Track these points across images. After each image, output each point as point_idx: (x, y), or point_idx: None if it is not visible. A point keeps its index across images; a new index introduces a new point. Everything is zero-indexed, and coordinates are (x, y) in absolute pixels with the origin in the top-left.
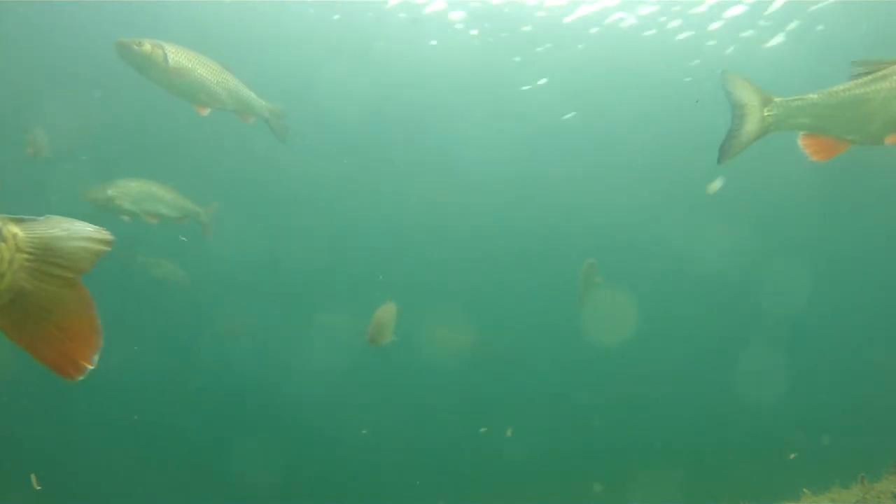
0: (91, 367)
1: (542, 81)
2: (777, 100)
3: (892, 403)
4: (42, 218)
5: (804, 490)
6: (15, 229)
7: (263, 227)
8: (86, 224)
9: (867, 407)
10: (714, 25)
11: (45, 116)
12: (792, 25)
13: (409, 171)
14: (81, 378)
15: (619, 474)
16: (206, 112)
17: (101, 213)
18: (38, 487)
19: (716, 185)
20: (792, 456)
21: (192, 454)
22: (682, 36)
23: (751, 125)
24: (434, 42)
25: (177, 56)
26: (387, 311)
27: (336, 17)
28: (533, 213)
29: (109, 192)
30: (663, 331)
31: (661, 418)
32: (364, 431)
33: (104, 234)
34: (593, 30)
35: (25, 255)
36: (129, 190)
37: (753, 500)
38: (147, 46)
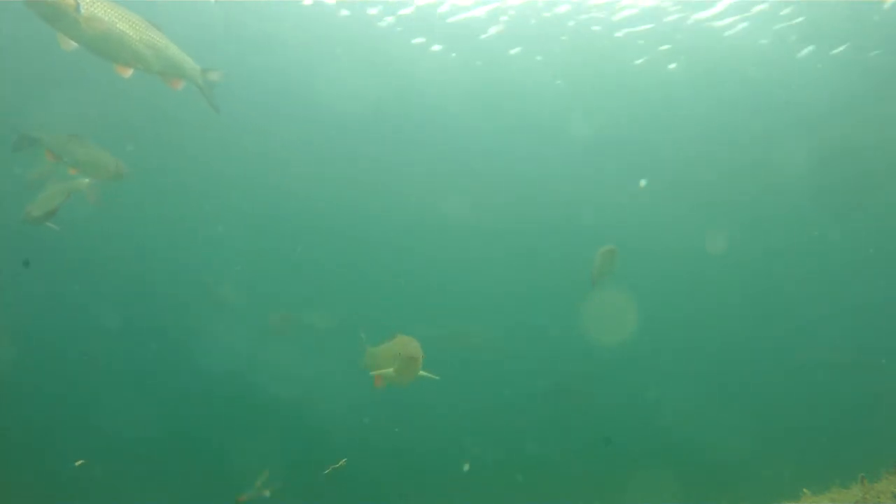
0: None
1: (544, 81)
2: None
3: (892, 404)
4: None
5: (804, 490)
6: None
7: (263, 227)
8: None
9: (867, 407)
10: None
11: (45, 116)
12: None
13: (409, 172)
14: None
15: (619, 474)
16: (128, 73)
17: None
18: (80, 462)
19: None
20: None
21: (195, 454)
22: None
23: None
24: (437, 47)
25: (91, 7)
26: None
27: (343, 13)
28: (531, 212)
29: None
30: (662, 331)
31: (661, 418)
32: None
33: None
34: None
35: None
36: (36, 201)
37: (753, 500)
38: None
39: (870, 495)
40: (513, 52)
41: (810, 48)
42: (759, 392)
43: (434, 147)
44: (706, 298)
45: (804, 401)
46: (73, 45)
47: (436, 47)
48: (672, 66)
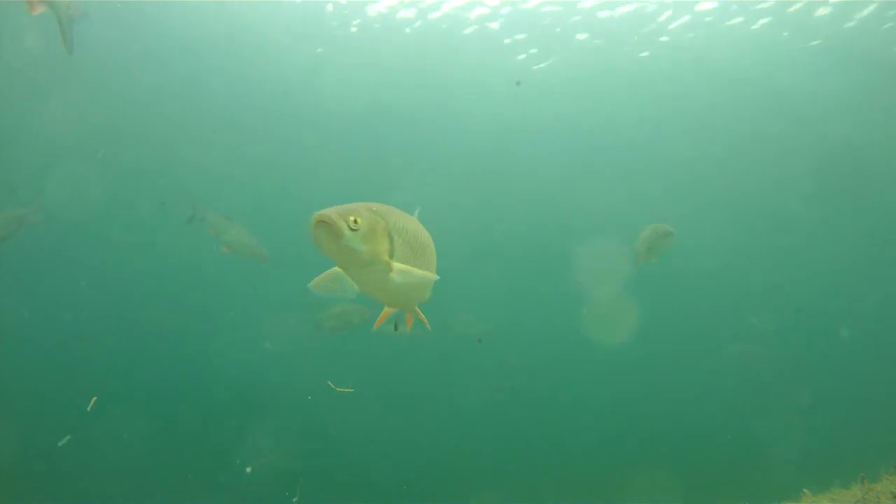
0: None
1: (545, 76)
2: None
3: (893, 404)
4: None
5: (804, 490)
6: None
7: (266, 228)
8: None
9: (868, 407)
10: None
11: (48, 117)
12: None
13: (407, 170)
14: None
15: (619, 474)
16: None
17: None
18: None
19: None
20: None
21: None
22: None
23: None
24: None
25: None
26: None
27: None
28: (531, 211)
29: None
30: (662, 330)
31: (662, 418)
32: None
33: None
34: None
35: None
36: None
37: (753, 500)
38: None
39: (870, 495)
40: (518, 49)
41: (816, 42)
42: (759, 391)
43: (434, 145)
44: (705, 298)
45: (805, 400)
46: None
47: (440, 43)
48: (671, 63)
